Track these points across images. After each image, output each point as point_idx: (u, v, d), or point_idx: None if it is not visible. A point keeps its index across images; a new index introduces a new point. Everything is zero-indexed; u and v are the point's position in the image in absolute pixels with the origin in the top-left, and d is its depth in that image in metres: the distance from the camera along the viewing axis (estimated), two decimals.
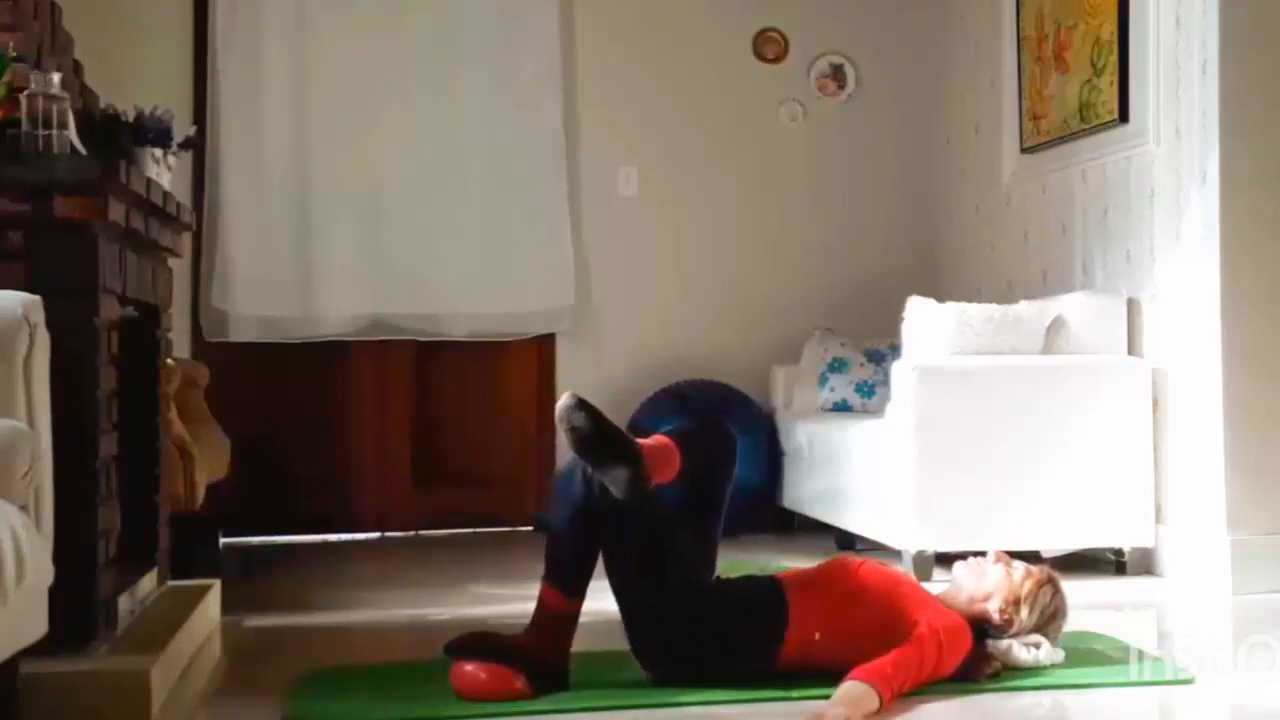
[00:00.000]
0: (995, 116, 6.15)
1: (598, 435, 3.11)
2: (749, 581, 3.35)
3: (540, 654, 3.15)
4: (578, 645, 3.24)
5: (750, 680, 3.17)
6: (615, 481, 3.10)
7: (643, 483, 3.11)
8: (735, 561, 3.96)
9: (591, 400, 3.17)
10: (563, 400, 3.14)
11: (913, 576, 4.04)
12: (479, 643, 3.18)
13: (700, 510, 3.32)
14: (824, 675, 3.05)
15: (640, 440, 3.18)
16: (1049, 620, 3.31)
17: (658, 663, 3.23)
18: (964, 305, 5.05)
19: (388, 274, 6.24)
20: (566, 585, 3.18)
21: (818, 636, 3.15)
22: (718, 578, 3.33)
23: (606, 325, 6.47)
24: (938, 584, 3.70)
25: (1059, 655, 3.30)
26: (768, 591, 3.25)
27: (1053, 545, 4.83)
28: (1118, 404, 4.84)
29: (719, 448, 3.37)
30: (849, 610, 3.18)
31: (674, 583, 3.20)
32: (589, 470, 3.15)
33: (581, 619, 3.22)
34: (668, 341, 6.42)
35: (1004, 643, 3.27)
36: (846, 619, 3.16)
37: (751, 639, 3.20)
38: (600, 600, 3.28)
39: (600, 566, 3.22)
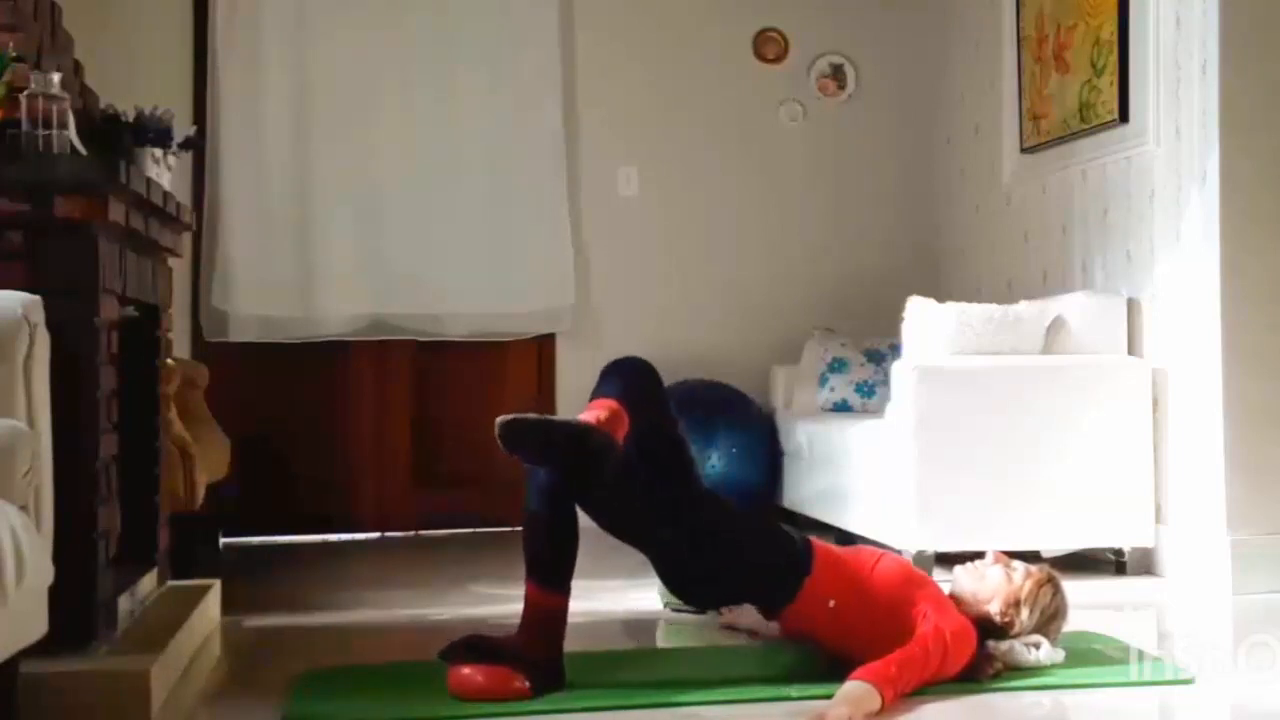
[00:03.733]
0: (995, 116, 6.15)
1: (546, 441, 3.10)
2: (782, 530, 3.37)
3: (532, 654, 3.13)
4: (577, 645, 3.23)
5: (750, 680, 3.16)
6: (588, 468, 3.09)
7: (614, 450, 3.11)
8: None
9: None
10: (496, 430, 3.06)
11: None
12: (472, 646, 3.18)
13: (662, 441, 3.31)
14: (824, 676, 3.05)
15: (583, 417, 3.16)
16: (1049, 620, 3.32)
17: (684, 586, 3.26)
18: (964, 305, 5.05)
19: (388, 274, 6.23)
20: (547, 579, 3.16)
21: (832, 604, 3.17)
22: (748, 515, 3.34)
23: (606, 325, 6.46)
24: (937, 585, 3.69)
25: (1059, 655, 3.30)
26: (797, 541, 3.29)
27: (1053, 545, 4.82)
28: (1118, 404, 4.84)
29: (645, 381, 3.35)
30: (865, 591, 3.20)
31: (691, 508, 3.22)
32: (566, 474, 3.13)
33: (579, 619, 3.22)
34: (668, 341, 6.40)
35: (1005, 643, 3.27)
36: (861, 598, 3.18)
37: (772, 574, 3.22)
38: (598, 600, 3.28)
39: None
